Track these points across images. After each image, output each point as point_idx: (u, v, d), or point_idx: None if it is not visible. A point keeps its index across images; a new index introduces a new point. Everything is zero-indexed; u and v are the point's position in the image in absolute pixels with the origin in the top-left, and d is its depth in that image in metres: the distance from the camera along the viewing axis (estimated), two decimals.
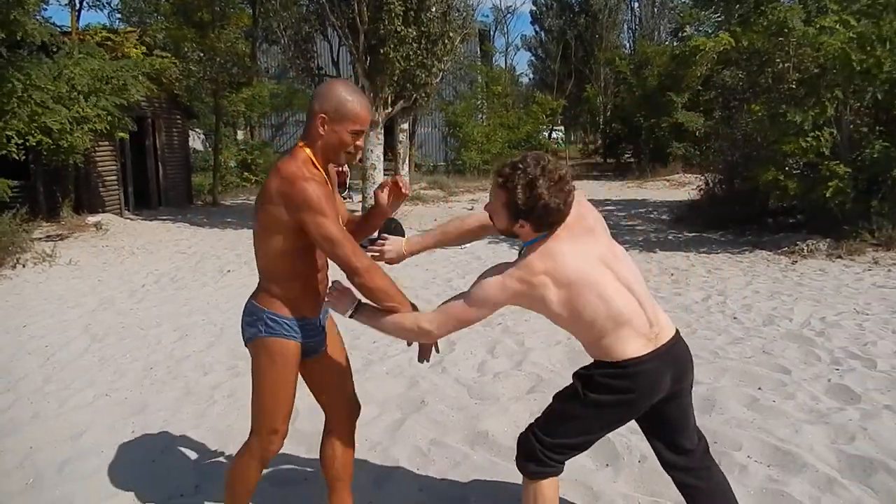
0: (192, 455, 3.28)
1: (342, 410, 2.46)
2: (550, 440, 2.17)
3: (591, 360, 2.16)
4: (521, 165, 1.95)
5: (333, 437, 2.45)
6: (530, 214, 1.95)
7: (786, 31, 9.10)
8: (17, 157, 9.79)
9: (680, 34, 24.01)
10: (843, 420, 3.40)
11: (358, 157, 2.30)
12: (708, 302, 6.08)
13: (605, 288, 2.01)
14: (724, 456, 3.03)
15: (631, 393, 2.09)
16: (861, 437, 3.21)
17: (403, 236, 9.44)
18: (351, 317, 2.18)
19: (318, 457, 3.20)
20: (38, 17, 10.31)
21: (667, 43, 29.17)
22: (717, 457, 3.02)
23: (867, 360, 4.30)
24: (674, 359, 2.14)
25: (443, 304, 2.18)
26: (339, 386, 2.45)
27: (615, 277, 2.04)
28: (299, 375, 2.32)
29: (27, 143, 9.79)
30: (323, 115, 2.09)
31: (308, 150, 2.13)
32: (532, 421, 2.30)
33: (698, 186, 12.57)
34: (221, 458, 3.25)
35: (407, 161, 18.53)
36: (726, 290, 6.49)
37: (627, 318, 2.03)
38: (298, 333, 2.25)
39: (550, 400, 2.31)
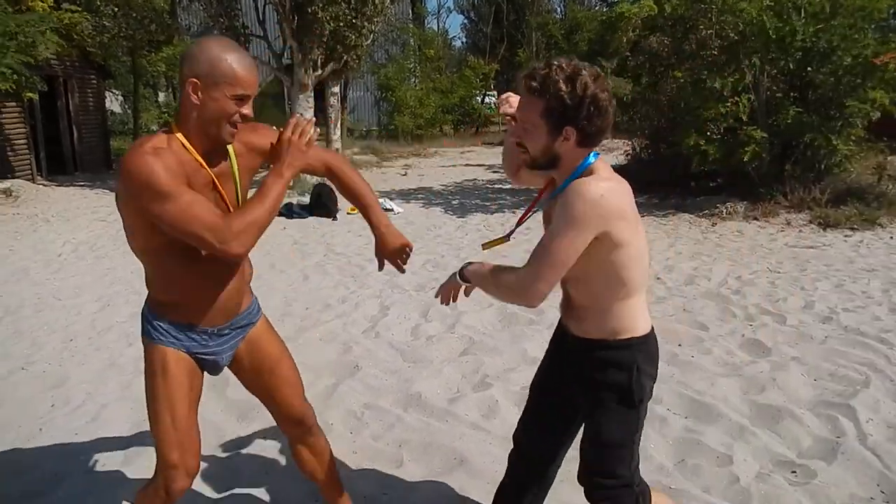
0: (118, 426, 3.19)
1: (285, 419, 2.18)
2: (631, 475, 1.85)
3: (594, 338, 1.79)
4: (553, 63, 1.63)
5: (294, 443, 2.25)
6: (578, 114, 1.61)
7: None
8: None
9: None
10: (755, 372, 3.62)
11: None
12: None
13: (643, 241, 1.75)
14: None
15: (655, 374, 1.87)
16: (770, 387, 3.43)
17: (336, 203, 9.35)
18: (466, 281, 1.89)
19: (250, 425, 3.20)
20: None
21: (597, 8, 29.47)
22: None
23: (778, 316, 4.57)
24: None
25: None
26: (275, 395, 2.13)
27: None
28: (201, 393, 2.01)
29: None
30: (195, 79, 1.72)
31: (179, 134, 1.78)
32: (589, 469, 1.89)
33: (625, 151, 12.89)
34: (148, 429, 3.17)
35: (339, 126, 18.18)
36: (651, 251, 6.72)
37: (642, 284, 1.78)
38: (183, 342, 1.92)
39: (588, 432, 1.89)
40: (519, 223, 2.12)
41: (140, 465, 2.81)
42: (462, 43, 47.24)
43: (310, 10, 11.31)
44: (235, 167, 1.90)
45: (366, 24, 12.33)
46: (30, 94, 11.54)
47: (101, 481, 2.69)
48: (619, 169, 12.50)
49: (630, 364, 1.78)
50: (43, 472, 2.79)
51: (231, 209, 1.84)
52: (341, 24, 11.78)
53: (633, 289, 1.75)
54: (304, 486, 2.68)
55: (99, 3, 15.32)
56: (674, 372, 3.66)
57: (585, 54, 22.38)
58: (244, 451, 2.97)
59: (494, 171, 15.15)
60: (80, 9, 13.71)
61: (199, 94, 1.72)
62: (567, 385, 1.92)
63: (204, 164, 1.79)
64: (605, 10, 23.97)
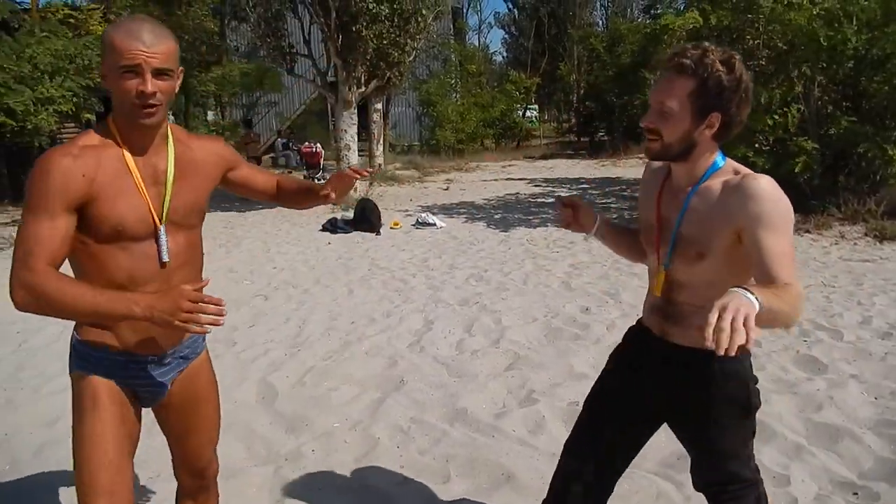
0: None
1: (186, 468, 1.98)
2: (752, 475, 1.84)
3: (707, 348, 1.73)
4: (704, 45, 1.57)
5: (183, 496, 2.04)
6: (732, 98, 1.55)
7: (755, 7, 9.18)
8: None
9: (652, 11, 24.07)
10: (811, 390, 3.51)
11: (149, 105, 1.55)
12: None
13: None
14: None
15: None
16: (828, 405, 3.31)
17: (380, 218, 9.43)
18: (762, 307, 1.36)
19: (298, 438, 3.24)
20: None
21: (640, 20, 29.23)
22: None
23: (834, 332, 4.43)
24: None
25: (774, 262, 1.54)
26: (189, 440, 1.93)
27: None
28: (139, 431, 1.79)
29: None
30: (102, 66, 1.56)
31: (113, 126, 1.60)
32: (711, 480, 1.85)
33: None
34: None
35: (381, 141, 18.41)
36: None
37: None
38: (118, 372, 1.69)
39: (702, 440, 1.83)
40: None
41: None
42: (503, 57, 47.42)
43: (354, 29, 11.51)
44: (171, 170, 1.66)
45: (409, 41, 12.48)
46: (88, 115, 12.03)
47: (157, 490, 2.75)
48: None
49: (745, 375, 1.74)
50: None
51: (155, 215, 1.62)
52: (385, 42, 11.96)
53: None
54: (354, 499, 2.70)
55: None
56: None
57: (628, 67, 22.21)
58: (293, 463, 3.00)
59: (536, 185, 15.10)
60: None
61: (106, 80, 1.54)
62: (655, 401, 1.82)
63: (129, 160, 1.58)
64: (648, 21, 23.74)
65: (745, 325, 1.25)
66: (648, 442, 3.11)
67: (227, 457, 3.03)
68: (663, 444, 3.04)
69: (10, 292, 1.48)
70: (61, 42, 10.88)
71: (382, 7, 11.50)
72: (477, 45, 40.83)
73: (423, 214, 10.05)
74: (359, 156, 13.04)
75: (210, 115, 23.90)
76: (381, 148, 18.14)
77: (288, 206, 2.08)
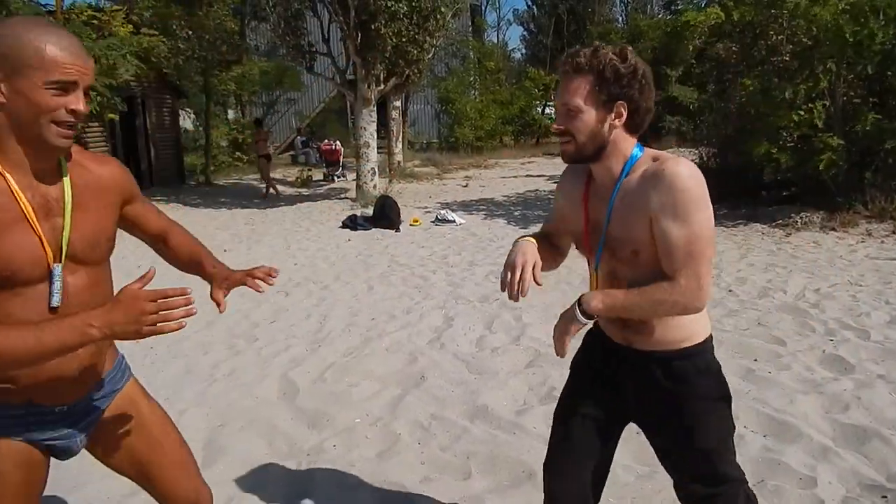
0: (196, 432, 3.30)
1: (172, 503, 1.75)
2: (738, 472, 1.79)
3: (669, 349, 1.68)
4: (595, 43, 1.60)
5: None
6: (632, 85, 1.55)
7: (779, 2, 9.04)
8: None
9: (672, 7, 23.85)
10: (838, 390, 3.45)
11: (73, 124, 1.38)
12: None
13: None
14: None
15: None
16: (855, 406, 3.26)
17: (399, 215, 9.42)
18: (591, 318, 1.65)
19: (320, 433, 3.26)
20: None
21: (660, 16, 28.97)
22: None
23: (861, 331, 4.35)
24: None
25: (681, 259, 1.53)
26: (157, 477, 1.71)
27: None
28: (44, 488, 1.56)
29: None
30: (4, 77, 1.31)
31: None
32: (696, 479, 1.78)
33: (692, 160, 12.56)
34: (223, 436, 3.27)
35: (400, 138, 18.45)
36: (721, 263, 6.53)
37: None
38: (19, 428, 1.46)
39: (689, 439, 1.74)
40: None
41: (216, 469, 2.90)
42: (522, 54, 47.27)
43: (373, 27, 11.53)
44: (68, 197, 1.43)
45: (427, 39, 12.49)
46: (111, 115, 12.18)
47: None
48: None
49: (716, 366, 1.73)
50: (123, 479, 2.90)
51: (50, 253, 1.38)
52: (404, 39, 11.97)
53: None
54: (375, 494, 2.71)
55: (175, 27, 16.06)
56: (750, 388, 3.53)
57: (648, 63, 21.96)
58: (314, 459, 3.02)
59: (556, 182, 15.03)
60: (157, 33, 14.40)
61: (3, 89, 1.30)
62: (625, 405, 1.79)
63: (16, 190, 1.35)
64: (668, 18, 23.52)
65: (563, 335, 1.69)
66: None
67: (249, 452, 3.07)
68: None
69: None
70: (85, 43, 10.99)
71: (401, 5, 11.51)
72: (496, 42, 40.76)
73: (443, 211, 10.05)
74: (378, 153, 13.08)
75: (230, 114, 24.13)
76: (399, 145, 18.18)
77: (168, 262, 1.91)
